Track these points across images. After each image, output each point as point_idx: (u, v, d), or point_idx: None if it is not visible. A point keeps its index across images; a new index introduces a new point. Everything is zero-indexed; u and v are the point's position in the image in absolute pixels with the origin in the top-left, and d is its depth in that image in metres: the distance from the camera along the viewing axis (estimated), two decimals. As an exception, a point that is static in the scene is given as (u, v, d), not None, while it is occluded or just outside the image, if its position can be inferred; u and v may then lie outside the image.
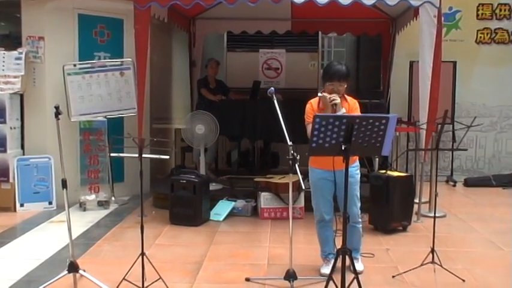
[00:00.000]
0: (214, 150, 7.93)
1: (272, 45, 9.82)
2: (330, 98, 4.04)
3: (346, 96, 4.22)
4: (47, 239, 5.33)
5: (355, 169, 4.25)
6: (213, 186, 6.72)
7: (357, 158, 4.26)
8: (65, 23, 6.79)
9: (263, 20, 8.37)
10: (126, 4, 6.21)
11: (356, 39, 10.08)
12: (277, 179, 6.26)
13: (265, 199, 6.16)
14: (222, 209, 6.21)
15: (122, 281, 3.84)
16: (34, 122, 6.68)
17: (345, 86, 4.15)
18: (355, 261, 3.97)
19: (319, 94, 4.17)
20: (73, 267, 3.85)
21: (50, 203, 6.54)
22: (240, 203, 6.32)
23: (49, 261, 4.62)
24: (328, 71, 4.18)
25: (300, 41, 9.64)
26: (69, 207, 3.95)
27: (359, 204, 4.33)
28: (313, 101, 4.27)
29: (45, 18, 6.72)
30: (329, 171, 3.96)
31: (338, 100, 4.02)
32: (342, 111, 4.01)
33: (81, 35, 6.89)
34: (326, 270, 4.22)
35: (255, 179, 6.52)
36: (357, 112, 4.17)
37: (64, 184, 3.87)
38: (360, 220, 4.39)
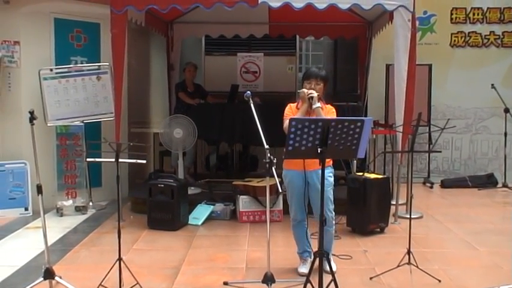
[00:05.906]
0: (193, 154, 7.91)
1: (250, 49, 9.82)
2: (307, 92, 4.17)
3: (324, 103, 4.32)
4: (23, 246, 5.27)
5: (328, 171, 4.29)
6: (191, 190, 6.71)
7: (331, 160, 4.30)
8: (41, 27, 6.73)
9: (241, 24, 8.42)
10: (103, 8, 6.19)
11: (333, 42, 10.16)
12: (255, 182, 6.27)
13: (244, 202, 6.16)
14: (201, 213, 6.20)
15: (98, 287, 3.82)
16: (9, 127, 6.60)
17: (322, 85, 4.27)
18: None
19: (299, 91, 4.31)
20: (49, 274, 3.82)
21: (26, 209, 6.45)
22: (219, 207, 6.32)
23: (25, 268, 4.56)
24: (306, 72, 4.38)
25: (278, 45, 9.66)
26: (44, 213, 3.92)
27: (332, 207, 4.38)
28: (293, 104, 4.40)
29: (21, 23, 6.65)
30: (300, 172, 4.14)
31: (315, 94, 4.14)
32: (318, 105, 4.12)
33: (57, 40, 6.83)
34: (303, 269, 4.35)
35: (233, 183, 6.52)
36: (333, 116, 4.25)
37: (39, 190, 3.83)
38: (333, 223, 4.46)
